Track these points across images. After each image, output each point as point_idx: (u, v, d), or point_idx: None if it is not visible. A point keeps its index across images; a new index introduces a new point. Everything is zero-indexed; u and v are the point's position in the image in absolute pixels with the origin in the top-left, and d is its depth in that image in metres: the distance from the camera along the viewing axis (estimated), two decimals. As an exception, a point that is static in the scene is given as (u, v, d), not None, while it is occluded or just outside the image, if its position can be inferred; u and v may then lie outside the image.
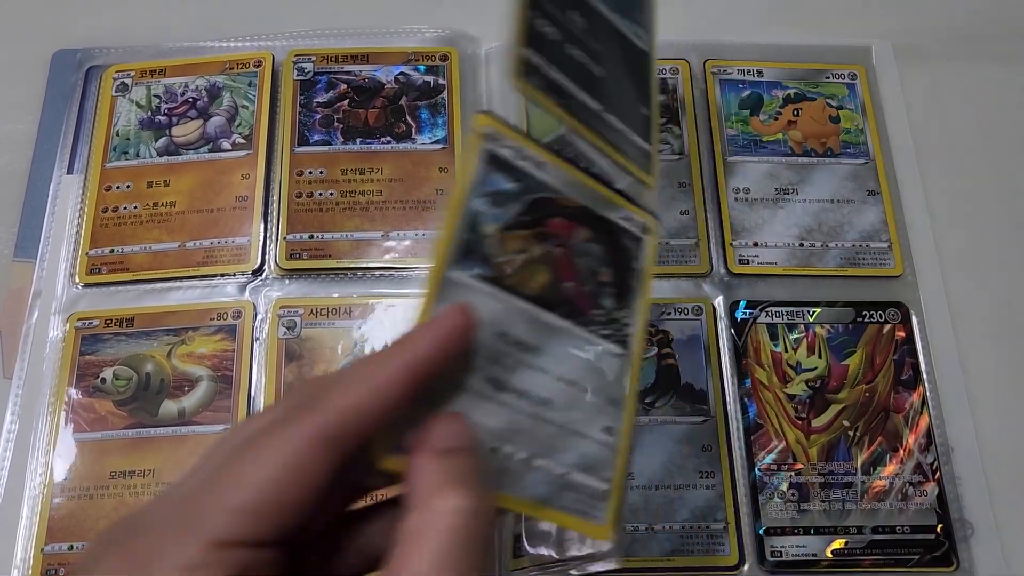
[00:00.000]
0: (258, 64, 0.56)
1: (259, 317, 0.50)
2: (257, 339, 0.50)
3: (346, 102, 0.55)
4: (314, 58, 0.56)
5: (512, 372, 0.33)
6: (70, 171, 0.53)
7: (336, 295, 0.51)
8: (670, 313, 0.51)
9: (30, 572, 0.45)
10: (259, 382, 0.49)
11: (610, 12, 0.40)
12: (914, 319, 0.51)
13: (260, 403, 0.48)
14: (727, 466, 0.48)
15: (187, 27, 0.58)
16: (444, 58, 0.57)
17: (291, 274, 0.51)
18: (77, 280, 0.51)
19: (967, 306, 0.52)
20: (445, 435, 0.30)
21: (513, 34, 0.35)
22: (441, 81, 0.56)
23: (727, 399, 0.49)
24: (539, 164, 0.36)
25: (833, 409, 0.49)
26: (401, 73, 0.56)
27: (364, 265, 0.51)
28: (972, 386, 0.50)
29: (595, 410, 0.35)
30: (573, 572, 0.40)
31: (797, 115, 0.56)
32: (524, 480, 0.33)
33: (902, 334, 0.51)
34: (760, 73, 0.57)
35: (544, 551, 0.43)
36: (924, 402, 0.50)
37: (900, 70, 0.58)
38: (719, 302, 0.52)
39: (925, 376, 0.50)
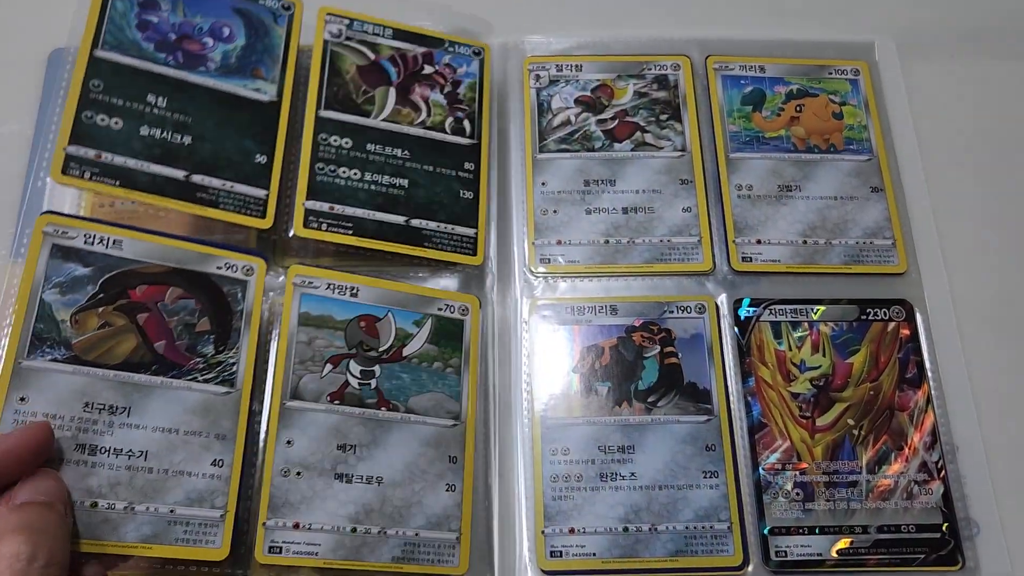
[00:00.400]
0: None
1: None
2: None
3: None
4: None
5: (103, 435, 0.40)
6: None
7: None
8: (673, 311, 0.51)
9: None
10: (271, 351, 0.47)
11: (215, 80, 0.49)
12: (918, 317, 0.51)
13: (268, 372, 0.46)
14: (731, 465, 0.47)
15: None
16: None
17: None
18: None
19: (972, 303, 0.52)
20: (26, 491, 0.36)
21: (58, 134, 0.45)
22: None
23: (731, 398, 0.49)
24: (115, 243, 0.43)
25: (837, 408, 0.49)
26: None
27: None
28: (977, 384, 0.50)
29: (202, 448, 0.42)
30: None
31: (800, 111, 0.56)
32: (127, 526, 0.40)
33: (906, 332, 0.51)
34: (762, 69, 0.57)
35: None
36: (929, 400, 0.49)
37: (903, 66, 0.58)
38: (722, 300, 0.51)
39: (930, 374, 0.50)
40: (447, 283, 0.51)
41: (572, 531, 0.46)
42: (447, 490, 0.46)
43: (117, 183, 0.45)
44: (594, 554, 0.46)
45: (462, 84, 0.54)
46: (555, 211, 0.53)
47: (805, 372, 0.50)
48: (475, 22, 0.57)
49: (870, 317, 0.51)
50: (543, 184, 0.54)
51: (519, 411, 0.49)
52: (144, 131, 0.46)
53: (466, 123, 0.53)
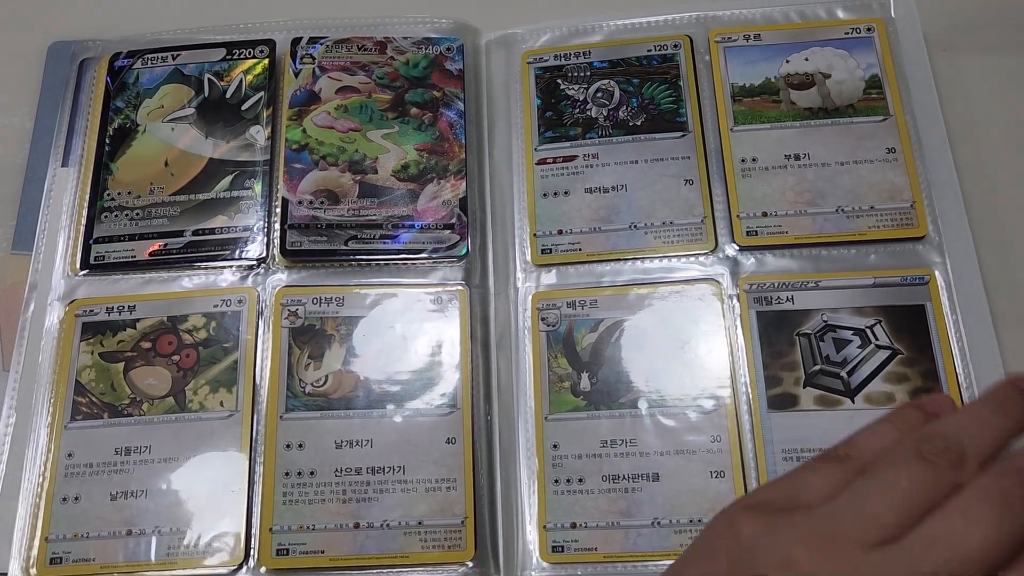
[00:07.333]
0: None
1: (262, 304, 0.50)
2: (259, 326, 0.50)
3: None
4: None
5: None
6: (65, 164, 0.54)
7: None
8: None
9: (35, 562, 0.45)
10: (262, 369, 0.49)
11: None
12: (940, 283, 0.46)
13: (264, 389, 0.48)
14: (738, 460, 0.45)
15: (184, 18, 0.58)
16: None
17: (295, 264, 0.51)
18: (70, 271, 0.52)
19: (999, 268, 0.47)
20: None
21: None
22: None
23: (737, 385, 0.46)
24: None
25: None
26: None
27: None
28: (1008, 353, 0.45)
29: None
30: None
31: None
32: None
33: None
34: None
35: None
36: (954, 371, 0.44)
37: (922, 19, 0.53)
38: (726, 278, 0.48)
39: (954, 343, 0.45)
40: (447, 275, 0.51)
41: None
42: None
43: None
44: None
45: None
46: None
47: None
48: (466, 21, 0.57)
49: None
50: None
51: (523, 401, 0.48)
52: None
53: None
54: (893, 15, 0.54)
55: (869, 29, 0.53)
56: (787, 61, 0.53)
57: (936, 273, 0.47)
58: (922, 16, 0.54)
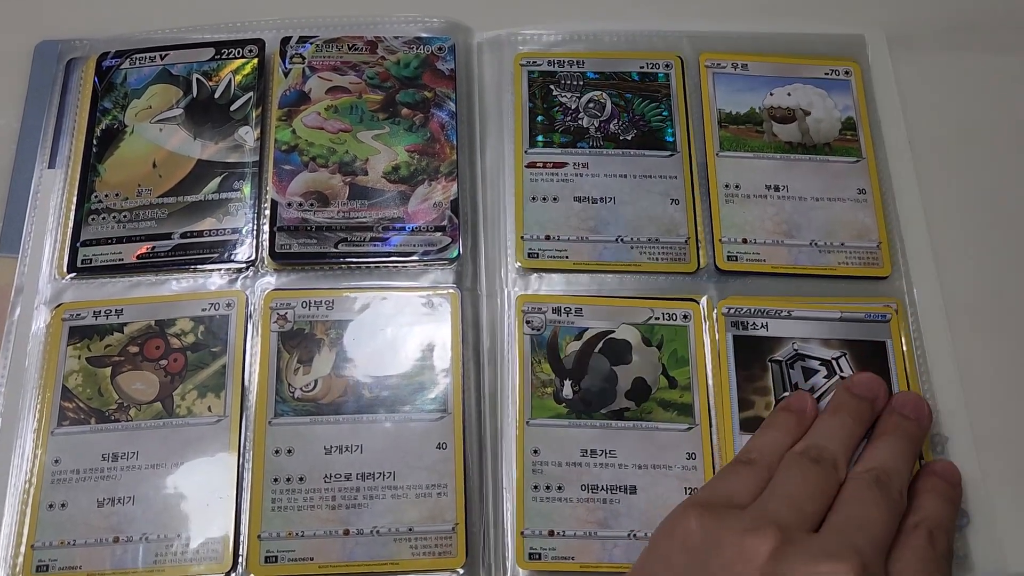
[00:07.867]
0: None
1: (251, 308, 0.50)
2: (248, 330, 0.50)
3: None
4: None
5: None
6: (52, 165, 0.52)
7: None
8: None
9: (21, 569, 0.45)
10: (251, 374, 0.49)
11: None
12: (909, 318, 0.50)
13: (252, 394, 0.48)
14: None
15: (172, 17, 0.57)
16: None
17: (284, 267, 0.51)
18: (57, 275, 0.51)
19: (962, 304, 0.51)
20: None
21: None
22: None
23: (712, 405, 0.49)
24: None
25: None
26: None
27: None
28: (967, 377, 0.49)
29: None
30: None
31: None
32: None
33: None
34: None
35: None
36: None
37: (894, 63, 0.57)
38: (703, 302, 0.51)
39: (919, 372, 0.49)
40: (438, 278, 0.51)
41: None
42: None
43: None
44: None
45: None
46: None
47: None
48: (458, 20, 0.57)
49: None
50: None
51: (506, 407, 0.49)
52: None
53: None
54: (868, 58, 0.57)
55: (847, 72, 0.56)
56: (771, 94, 0.56)
57: (897, 312, 0.51)
58: (894, 57, 0.57)
